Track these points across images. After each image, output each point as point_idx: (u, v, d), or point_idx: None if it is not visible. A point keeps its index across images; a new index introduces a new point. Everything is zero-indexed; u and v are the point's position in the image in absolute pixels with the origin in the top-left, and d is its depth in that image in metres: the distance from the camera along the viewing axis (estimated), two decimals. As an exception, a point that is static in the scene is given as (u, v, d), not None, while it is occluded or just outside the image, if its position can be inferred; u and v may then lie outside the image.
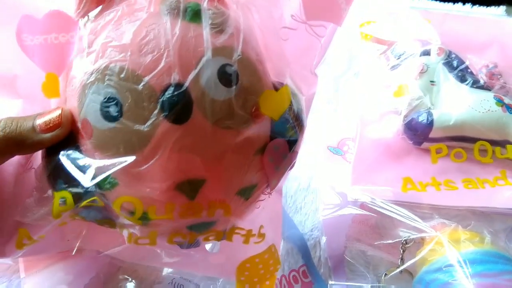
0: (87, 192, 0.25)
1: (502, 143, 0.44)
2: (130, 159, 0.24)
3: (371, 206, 0.40)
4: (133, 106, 0.23)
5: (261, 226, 0.33)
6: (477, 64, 0.51)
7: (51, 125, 0.25)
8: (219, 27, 0.25)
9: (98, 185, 0.25)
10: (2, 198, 0.28)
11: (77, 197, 0.26)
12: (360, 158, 0.45)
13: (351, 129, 0.50)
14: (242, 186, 0.28)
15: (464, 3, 0.62)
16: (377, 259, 0.40)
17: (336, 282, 0.40)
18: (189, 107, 0.24)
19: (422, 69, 0.48)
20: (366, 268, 0.40)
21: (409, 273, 0.38)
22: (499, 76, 0.49)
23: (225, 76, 0.25)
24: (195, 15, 0.25)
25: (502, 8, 0.61)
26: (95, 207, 0.26)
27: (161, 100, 0.23)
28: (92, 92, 0.24)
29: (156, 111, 0.23)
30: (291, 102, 0.29)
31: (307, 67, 0.32)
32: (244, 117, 0.26)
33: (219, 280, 0.39)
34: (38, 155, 0.28)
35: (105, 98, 0.24)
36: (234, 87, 0.25)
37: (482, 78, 0.48)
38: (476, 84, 0.47)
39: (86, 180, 0.25)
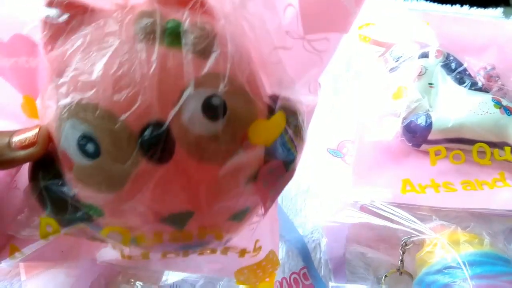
0: (73, 219, 0.24)
1: (500, 145, 0.44)
2: (111, 196, 0.23)
3: (371, 208, 0.40)
4: (111, 146, 0.21)
5: (257, 241, 0.32)
6: (475, 66, 0.51)
7: (26, 143, 0.24)
8: (203, 52, 0.22)
9: (84, 212, 0.24)
10: None
11: (64, 223, 0.25)
12: (359, 161, 0.45)
13: (350, 131, 0.51)
14: (233, 212, 0.26)
15: (462, 5, 0.63)
16: (377, 261, 0.40)
17: (337, 284, 0.40)
18: (170, 146, 0.21)
19: (420, 72, 0.48)
20: (366, 270, 0.41)
21: (409, 274, 0.38)
22: (497, 78, 0.50)
23: (210, 110, 0.22)
24: (174, 38, 0.22)
25: (500, 10, 0.61)
26: (81, 228, 0.26)
27: (139, 141, 0.21)
28: (68, 127, 0.22)
29: (135, 152, 0.21)
30: (285, 126, 0.26)
31: (306, 84, 0.28)
32: (233, 149, 0.23)
33: (220, 283, 0.39)
34: (24, 175, 0.26)
35: (81, 135, 0.22)
36: (220, 120, 0.22)
37: (480, 80, 0.49)
38: (474, 86, 0.48)
39: (71, 208, 0.24)
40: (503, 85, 0.49)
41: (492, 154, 0.44)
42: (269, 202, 0.28)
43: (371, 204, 0.40)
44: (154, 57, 0.21)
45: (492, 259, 0.34)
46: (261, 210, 0.28)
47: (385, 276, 0.39)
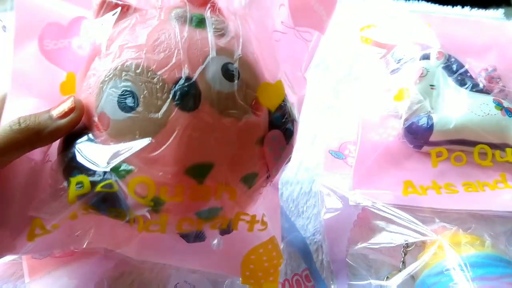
0: (103, 179, 0.27)
1: (501, 147, 0.44)
2: (146, 141, 0.27)
3: (373, 210, 0.40)
4: (148, 97, 0.27)
5: (263, 215, 0.35)
6: (477, 67, 0.51)
7: (66, 110, 0.28)
8: (221, 32, 0.29)
9: (113, 172, 0.27)
10: (14, 193, 0.29)
11: (93, 183, 0.27)
12: (361, 162, 0.45)
13: (352, 133, 0.51)
14: (245, 172, 0.30)
15: (463, 6, 0.63)
16: (379, 263, 0.41)
17: (339, 286, 0.40)
18: (198, 97, 0.27)
19: (421, 73, 0.48)
20: (368, 271, 0.41)
21: (411, 276, 0.38)
22: (498, 80, 0.50)
23: (227, 72, 0.28)
24: (200, 22, 0.29)
25: (501, 11, 0.61)
26: (107, 197, 0.28)
27: (173, 90, 0.26)
28: (110, 87, 0.27)
29: (168, 101, 0.26)
30: (285, 97, 0.33)
31: (297, 68, 0.36)
32: (246, 108, 0.29)
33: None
34: (54, 152, 0.29)
35: (122, 92, 0.27)
36: (236, 81, 0.28)
37: (482, 82, 0.49)
38: (475, 88, 0.48)
39: (102, 165, 0.27)
40: (504, 86, 0.49)
41: (493, 155, 0.44)
42: (274, 170, 0.32)
43: (373, 206, 0.40)
44: (185, 32, 0.28)
45: (493, 260, 0.34)
46: (267, 181, 0.33)
47: (387, 277, 0.39)
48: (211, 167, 0.28)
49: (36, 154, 0.30)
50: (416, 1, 0.65)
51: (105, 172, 0.27)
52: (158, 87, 0.27)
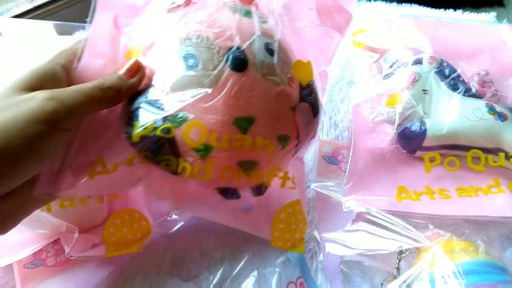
0: (162, 124, 0.33)
1: (494, 151, 0.44)
2: (204, 91, 0.33)
3: (367, 216, 0.40)
4: (206, 59, 0.33)
5: (294, 176, 0.40)
6: (469, 71, 0.51)
7: (133, 69, 0.33)
8: (263, 20, 0.37)
9: (172, 119, 0.33)
10: (79, 137, 0.33)
11: (154, 127, 0.33)
12: (354, 168, 0.45)
13: (345, 138, 0.51)
14: (280, 132, 0.36)
15: (455, 9, 0.63)
16: (373, 269, 0.40)
17: None
18: (245, 61, 0.34)
19: (414, 78, 0.48)
20: (362, 278, 0.41)
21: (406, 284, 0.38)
22: (490, 84, 0.49)
23: (269, 48, 0.36)
24: (247, 13, 0.37)
25: (493, 14, 0.61)
26: (163, 143, 0.33)
27: (226, 55, 0.33)
28: (178, 50, 0.34)
29: (222, 63, 0.33)
30: (313, 79, 0.40)
31: (321, 63, 0.43)
32: (283, 78, 0.36)
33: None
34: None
35: (185, 54, 0.33)
36: (275, 55, 0.36)
37: (474, 86, 0.49)
38: (468, 93, 0.47)
39: (162, 113, 0.33)
40: (496, 90, 0.49)
41: (486, 160, 0.44)
42: (303, 137, 0.38)
43: (367, 212, 0.40)
44: (235, 16, 0.36)
45: (487, 267, 0.34)
46: (296, 148, 0.38)
47: (382, 284, 0.39)
48: (253, 121, 0.34)
49: None
50: (408, 5, 0.65)
51: (164, 120, 0.33)
52: (214, 51, 0.33)
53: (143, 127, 0.33)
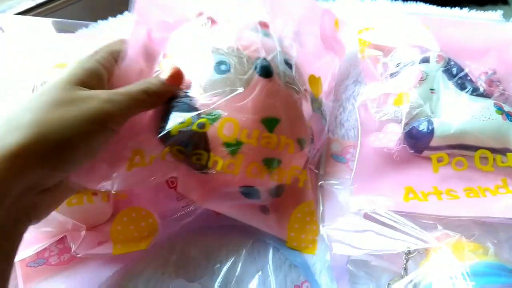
0: (198, 120, 0.37)
1: (502, 151, 0.43)
2: (238, 91, 0.37)
3: (375, 216, 0.39)
4: (237, 65, 0.39)
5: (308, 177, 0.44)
6: (476, 70, 0.50)
7: (175, 76, 0.37)
8: (282, 41, 0.44)
9: (207, 116, 0.37)
10: (127, 133, 0.36)
11: (191, 122, 0.36)
12: (361, 168, 0.44)
13: (351, 137, 0.50)
14: (300, 135, 0.41)
15: (461, 7, 0.62)
16: (380, 269, 0.40)
17: None
18: (271, 70, 0.39)
19: (421, 77, 0.48)
20: (369, 278, 0.40)
21: (413, 284, 0.38)
22: (498, 83, 0.49)
23: (288, 63, 0.42)
24: (266, 34, 0.43)
25: (500, 12, 0.61)
26: (196, 138, 0.37)
27: (255, 63, 0.39)
28: (211, 58, 0.39)
29: (252, 69, 0.39)
30: (322, 92, 0.48)
31: (328, 76, 0.52)
32: (300, 88, 0.42)
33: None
34: None
35: (218, 61, 0.39)
36: (293, 69, 0.42)
37: (482, 86, 0.48)
38: (476, 92, 0.47)
39: (199, 107, 0.37)
40: (504, 90, 0.48)
41: (494, 160, 0.43)
42: (317, 142, 0.45)
43: (374, 212, 0.39)
44: (258, 35, 0.42)
45: (496, 269, 0.34)
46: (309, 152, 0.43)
47: (388, 283, 0.39)
48: (278, 121, 0.39)
49: None
50: (414, 3, 0.65)
51: (199, 116, 0.37)
52: (244, 59, 0.39)
53: (181, 121, 0.36)
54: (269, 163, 0.39)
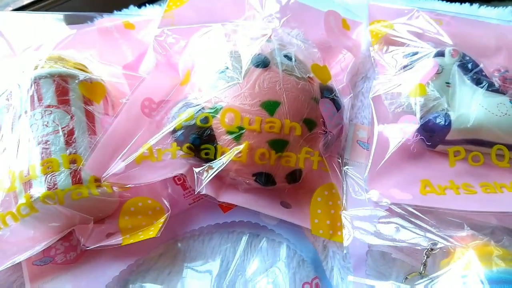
0: (201, 115, 0.39)
1: (518, 148, 0.42)
2: (235, 83, 0.40)
3: (397, 211, 0.38)
4: (235, 63, 0.41)
5: (325, 158, 0.43)
6: (489, 67, 0.49)
7: None
8: (281, 44, 0.45)
9: (209, 111, 0.39)
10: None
11: (195, 116, 0.39)
12: (377, 160, 0.42)
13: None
14: (305, 116, 0.40)
15: (471, 3, 0.61)
16: (399, 262, 0.38)
17: (356, 277, 0.38)
18: (267, 61, 0.41)
19: (437, 70, 0.46)
20: (386, 270, 0.39)
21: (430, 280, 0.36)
22: (511, 81, 0.48)
23: (287, 56, 0.43)
24: (268, 40, 0.45)
25: (510, 9, 0.60)
26: (202, 134, 0.39)
27: (251, 58, 0.41)
28: (214, 65, 0.43)
29: (248, 64, 0.41)
30: (331, 79, 0.47)
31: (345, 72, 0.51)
32: (303, 77, 0.42)
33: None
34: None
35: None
36: (293, 60, 0.43)
37: (497, 82, 0.47)
38: (491, 88, 0.45)
39: (201, 103, 0.40)
40: (517, 87, 0.48)
41: (510, 157, 0.42)
42: (329, 126, 0.42)
43: (398, 205, 0.38)
44: (260, 42, 0.44)
45: None
46: (323, 135, 0.42)
47: (406, 278, 0.37)
48: (278, 104, 0.39)
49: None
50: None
51: (202, 111, 0.39)
52: (241, 58, 0.41)
53: (185, 116, 0.39)
54: (275, 145, 0.39)
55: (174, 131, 0.39)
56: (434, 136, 0.43)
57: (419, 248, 0.36)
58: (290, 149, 0.39)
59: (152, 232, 0.37)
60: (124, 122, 0.41)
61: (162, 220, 0.39)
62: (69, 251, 0.39)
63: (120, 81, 0.46)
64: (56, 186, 0.36)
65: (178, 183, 0.42)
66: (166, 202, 0.39)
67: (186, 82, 0.44)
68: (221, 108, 0.39)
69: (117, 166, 0.38)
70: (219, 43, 0.44)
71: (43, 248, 0.37)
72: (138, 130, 0.40)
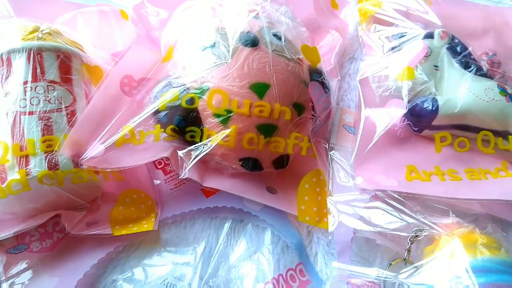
0: (186, 95, 0.37)
1: (503, 134, 0.40)
2: (223, 62, 0.37)
3: (383, 197, 0.36)
4: (223, 41, 0.38)
5: (313, 144, 0.41)
6: (477, 50, 0.48)
7: None
8: (270, 21, 0.42)
9: (195, 91, 0.37)
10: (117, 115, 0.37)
11: (180, 97, 0.37)
12: (362, 146, 0.40)
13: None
14: (295, 100, 0.38)
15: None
16: (383, 248, 0.37)
17: (341, 263, 0.37)
18: (256, 40, 0.38)
19: (426, 53, 0.44)
20: (371, 256, 0.38)
21: (415, 267, 0.36)
22: (498, 65, 0.47)
23: (276, 35, 0.40)
24: (256, 17, 0.41)
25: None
26: (187, 116, 0.36)
27: (239, 37, 0.38)
28: (201, 40, 0.40)
29: (235, 41, 0.38)
30: (320, 61, 0.44)
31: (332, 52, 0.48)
32: (292, 58, 0.39)
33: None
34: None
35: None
36: (282, 40, 0.40)
37: (485, 66, 0.45)
38: (479, 72, 0.43)
39: (186, 83, 0.37)
40: (504, 71, 0.46)
41: (496, 143, 0.41)
42: (318, 110, 0.40)
43: (384, 193, 0.36)
44: (247, 18, 0.40)
45: (507, 267, 0.31)
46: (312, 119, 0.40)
47: (390, 264, 0.36)
48: (268, 87, 0.37)
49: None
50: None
51: (187, 91, 0.36)
52: (229, 36, 0.38)
53: (169, 96, 0.36)
54: (264, 130, 0.37)
55: (157, 112, 0.36)
56: (420, 121, 0.42)
57: (403, 234, 0.34)
58: (279, 134, 0.37)
59: (146, 225, 0.36)
60: (102, 101, 0.37)
61: (153, 214, 0.37)
62: (44, 238, 0.36)
63: (110, 67, 0.43)
64: (57, 166, 0.33)
65: (159, 167, 0.39)
66: (155, 200, 0.38)
67: (169, 59, 0.40)
68: (207, 89, 0.36)
69: (96, 148, 0.35)
70: (204, 18, 0.41)
71: (18, 233, 0.34)
72: (117, 110, 0.37)
